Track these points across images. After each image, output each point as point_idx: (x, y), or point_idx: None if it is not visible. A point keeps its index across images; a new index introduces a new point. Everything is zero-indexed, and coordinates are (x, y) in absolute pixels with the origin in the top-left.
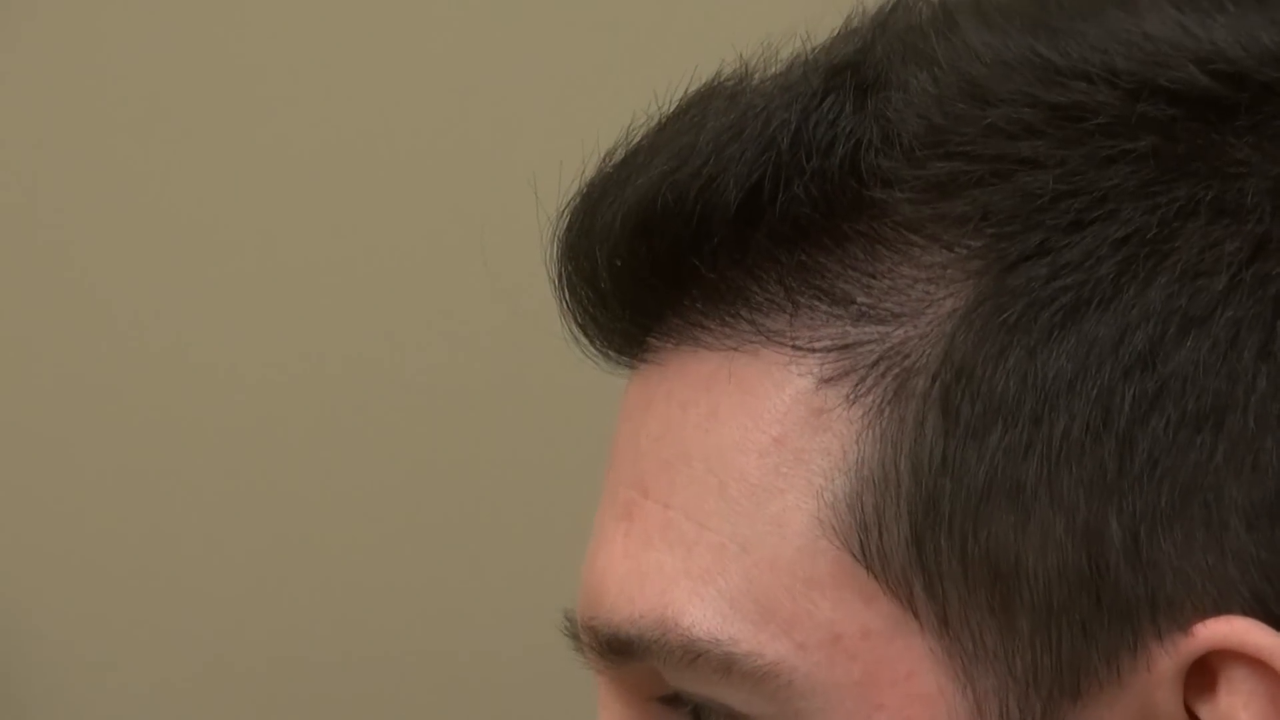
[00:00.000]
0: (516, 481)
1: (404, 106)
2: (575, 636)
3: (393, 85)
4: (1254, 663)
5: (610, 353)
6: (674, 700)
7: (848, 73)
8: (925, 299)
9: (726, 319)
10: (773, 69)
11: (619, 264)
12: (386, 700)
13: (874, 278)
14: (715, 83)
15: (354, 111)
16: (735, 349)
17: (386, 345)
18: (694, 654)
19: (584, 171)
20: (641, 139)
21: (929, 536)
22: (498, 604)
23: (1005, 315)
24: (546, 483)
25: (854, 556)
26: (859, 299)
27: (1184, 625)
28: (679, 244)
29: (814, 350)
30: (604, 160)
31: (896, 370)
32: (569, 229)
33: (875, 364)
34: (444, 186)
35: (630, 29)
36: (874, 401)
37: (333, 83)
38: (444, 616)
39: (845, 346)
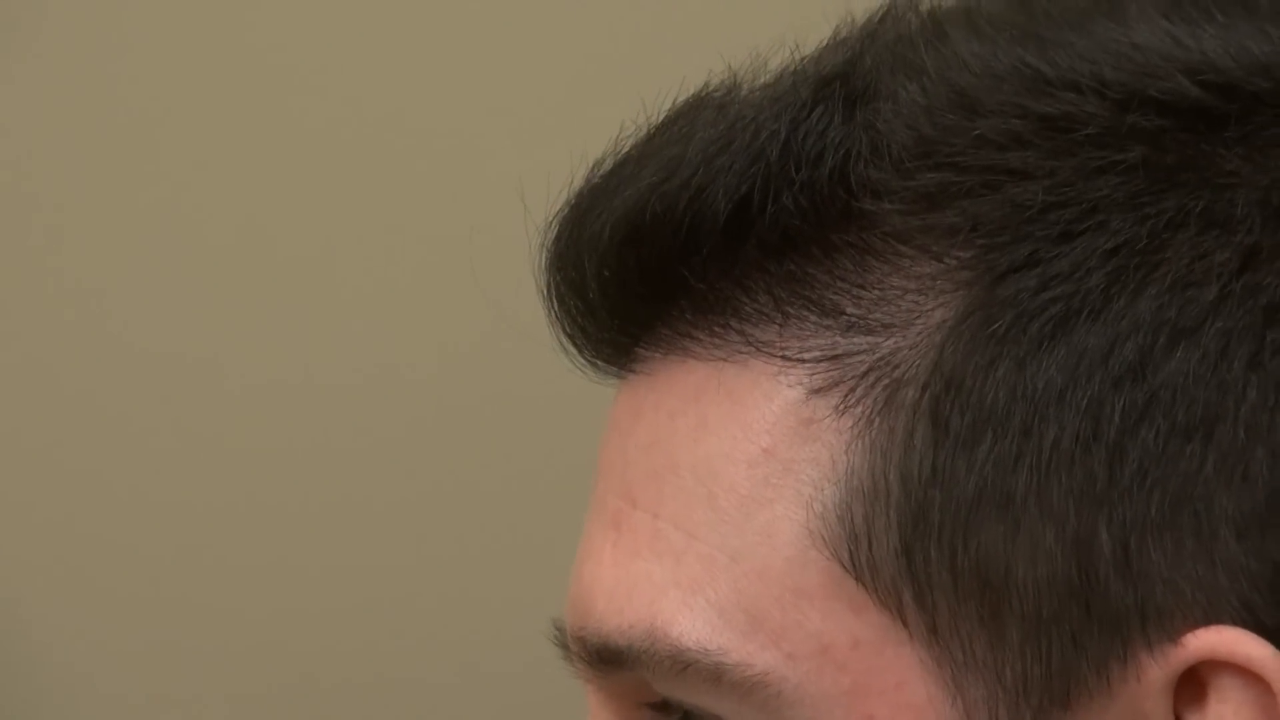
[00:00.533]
0: (504, 491)
1: (392, 116)
2: (564, 646)
3: (381, 95)
4: (1244, 673)
5: (599, 362)
6: (663, 707)
7: (837, 83)
8: (914, 310)
9: (715, 329)
10: (761, 79)
11: (607, 274)
12: (379, 708)
13: (863, 288)
14: (704, 93)
15: (342, 120)
16: (724, 359)
17: (373, 354)
18: (683, 664)
19: (572, 181)
20: (630, 149)
21: (918, 547)
22: (486, 613)
23: (994, 326)
24: (535, 492)
25: (843, 567)
26: (848, 310)
27: (1174, 635)
28: (668, 254)
29: (803, 361)
30: (592, 170)
31: (886, 381)
32: (557, 239)
33: (865, 375)
34: (432, 195)
35: (618, 39)
36: (863, 412)
37: (321, 91)
38: (431, 625)
39: (835, 357)
